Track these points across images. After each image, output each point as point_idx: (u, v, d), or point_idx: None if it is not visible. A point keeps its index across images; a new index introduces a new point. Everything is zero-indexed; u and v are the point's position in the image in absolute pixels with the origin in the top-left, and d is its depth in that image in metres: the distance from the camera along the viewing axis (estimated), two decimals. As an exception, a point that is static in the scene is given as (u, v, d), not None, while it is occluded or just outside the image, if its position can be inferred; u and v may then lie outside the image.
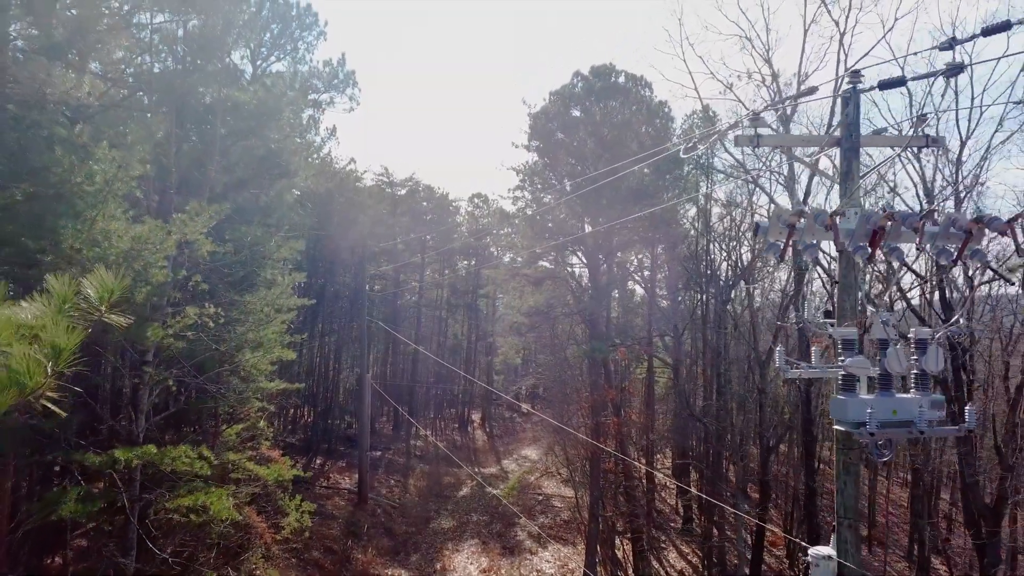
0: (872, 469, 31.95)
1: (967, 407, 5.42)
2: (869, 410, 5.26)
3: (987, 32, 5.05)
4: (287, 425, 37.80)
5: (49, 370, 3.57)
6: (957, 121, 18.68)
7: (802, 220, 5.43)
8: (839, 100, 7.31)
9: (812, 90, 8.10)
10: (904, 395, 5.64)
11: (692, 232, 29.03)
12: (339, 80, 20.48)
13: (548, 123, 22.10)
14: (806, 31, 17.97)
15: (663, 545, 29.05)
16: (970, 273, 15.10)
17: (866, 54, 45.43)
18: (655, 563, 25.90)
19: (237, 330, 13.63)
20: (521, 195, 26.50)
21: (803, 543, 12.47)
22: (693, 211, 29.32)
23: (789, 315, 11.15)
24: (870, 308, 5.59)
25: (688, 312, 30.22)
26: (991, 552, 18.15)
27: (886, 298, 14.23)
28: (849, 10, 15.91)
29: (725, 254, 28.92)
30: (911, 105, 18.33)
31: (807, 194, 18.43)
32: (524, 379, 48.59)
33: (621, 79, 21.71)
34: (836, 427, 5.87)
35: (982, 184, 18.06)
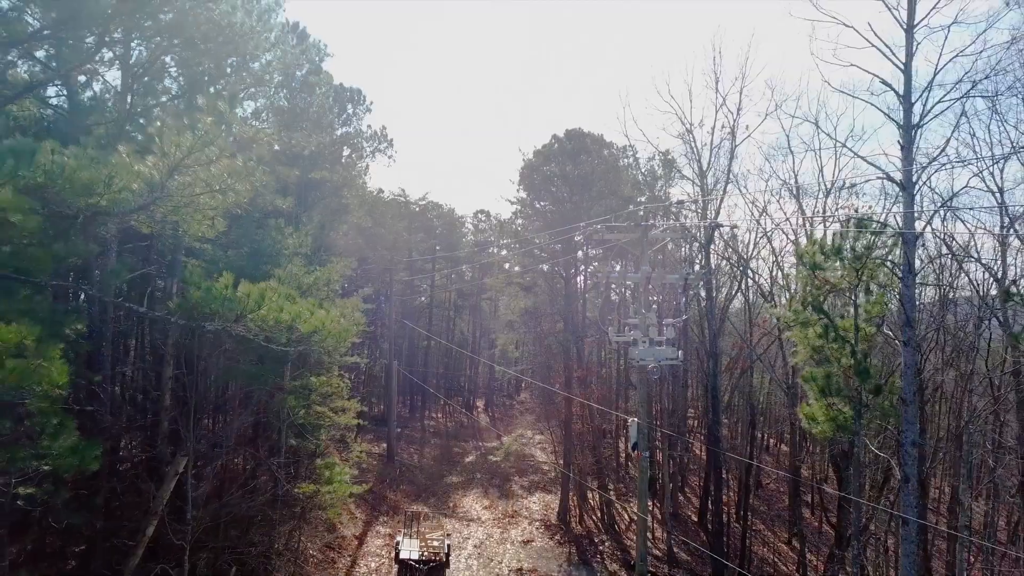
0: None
1: (679, 352, 13.07)
2: (638, 352, 12.96)
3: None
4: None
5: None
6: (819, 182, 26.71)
7: (616, 271, 13.10)
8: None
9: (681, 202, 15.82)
10: (660, 347, 13.31)
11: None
12: (382, 143, 28.28)
13: (533, 172, 29.81)
14: (716, 112, 25.44)
15: (630, 499, 36.77)
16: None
17: (746, 137, 55.14)
18: (619, 508, 33.52)
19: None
20: (515, 221, 34.41)
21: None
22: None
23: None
24: (642, 309, 13.29)
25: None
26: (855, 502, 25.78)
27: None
28: (738, 110, 23.53)
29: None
30: (794, 164, 26.32)
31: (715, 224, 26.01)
32: (519, 366, 56.43)
33: (587, 141, 29.37)
34: (631, 363, 13.52)
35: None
